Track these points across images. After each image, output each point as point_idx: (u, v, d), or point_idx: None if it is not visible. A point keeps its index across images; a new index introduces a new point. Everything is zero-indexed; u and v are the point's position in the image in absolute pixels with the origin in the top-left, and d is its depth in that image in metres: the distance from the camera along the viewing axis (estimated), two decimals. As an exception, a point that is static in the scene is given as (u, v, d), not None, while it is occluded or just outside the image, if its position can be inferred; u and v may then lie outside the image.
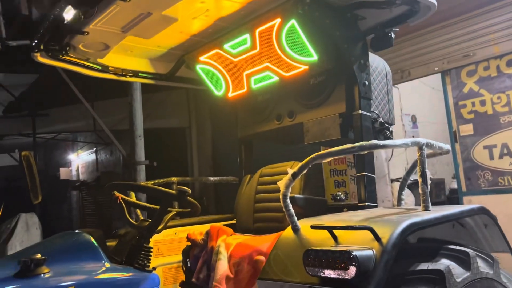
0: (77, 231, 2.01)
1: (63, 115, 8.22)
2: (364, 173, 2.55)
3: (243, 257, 2.24)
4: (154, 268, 1.98)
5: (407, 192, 6.63)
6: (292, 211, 1.93)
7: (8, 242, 5.86)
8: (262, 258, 2.16)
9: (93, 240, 1.86)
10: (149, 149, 10.46)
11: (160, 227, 2.20)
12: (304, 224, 1.94)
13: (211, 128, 9.05)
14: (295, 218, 1.93)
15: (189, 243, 2.65)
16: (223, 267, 2.20)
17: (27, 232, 6.03)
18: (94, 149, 13.62)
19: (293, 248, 1.82)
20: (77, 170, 15.81)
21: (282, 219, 2.70)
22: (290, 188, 1.94)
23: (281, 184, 1.93)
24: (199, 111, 9.19)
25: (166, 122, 9.40)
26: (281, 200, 1.94)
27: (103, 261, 1.82)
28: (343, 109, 2.66)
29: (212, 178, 3.80)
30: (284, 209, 1.94)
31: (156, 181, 3.37)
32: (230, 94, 3.10)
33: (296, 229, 1.92)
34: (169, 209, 2.32)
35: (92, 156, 14.26)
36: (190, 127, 9.34)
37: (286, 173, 2.74)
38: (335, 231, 1.72)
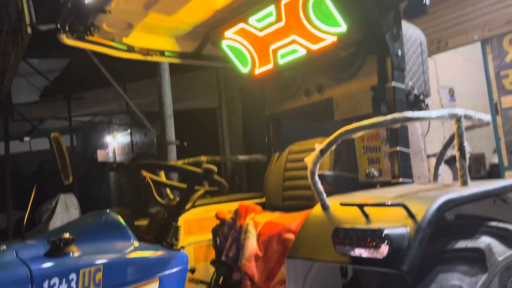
0: (105, 210, 2.03)
1: (97, 98, 8.37)
2: (398, 148, 2.44)
3: (271, 235, 2.20)
4: (182, 247, 1.98)
5: (444, 168, 6.44)
6: (321, 188, 1.87)
7: (50, 222, 6.10)
8: (291, 236, 2.12)
9: (120, 219, 1.87)
10: (180, 130, 10.56)
11: (188, 206, 2.18)
12: (333, 202, 1.87)
13: (241, 108, 9.00)
14: (324, 196, 1.87)
15: (218, 222, 2.64)
16: (251, 245, 2.17)
17: (66, 212, 6.24)
18: (129, 131, 13.88)
19: (322, 226, 1.76)
20: (114, 152, 16.22)
21: (312, 197, 2.63)
22: (318, 165, 1.87)
23: (309, 160, 1.86)
24: (229, 91, 9.16)
25: (197, 103, 9.43)
26: (308, 177, 1.87)
27: (131, 240, 1.83)
28: (374, 81, 2.54)
29: (240, 157, 3.77)
30: (312, 187, 1.88)
31: (186, 160, 3.36)
32: (256, 71, 3.02)
33: (325, 207, 1.86)
34: (196, 187, 2.30)
35: (127, 138, 14.55)
36: (220, 107, 9.33)
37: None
38: (366, 209, 1.64)
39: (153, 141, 11.51)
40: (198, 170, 2.03)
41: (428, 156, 6.52)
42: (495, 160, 7.13)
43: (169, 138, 4.54)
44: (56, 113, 9.30)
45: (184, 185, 2.22)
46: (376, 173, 2.91)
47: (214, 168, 2.03)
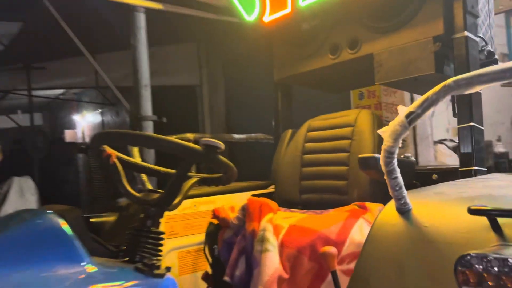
0: (42, 209, 1.25)
1: (62, 69, 7.39)
2: (472, 123, 1.74)
3: (301, 248, 1.47)
4: (168, 269, 1.22)
5: (450, 154, 5.78)
6: (400, 180, 1.13)
7: (1, 209, 5.20)
8: (331, 250, 1.38)
9: (65, 226, 1.09)
10: (156, 109, 9.73)
11: (176, 201, 1.43)
12: (416, 201, 1.14)
13: (224, 87, 8.20)
14: (404, 192, 1.14)
15: (215, 221, 1.88)
16: (272, 262, 1.43)
17: (21, 198, 5.35)
18: (100, 110, 12.89)
19: (411, 244, 1.04)
20: (83, 132, 15.18)
21: (344, 189, 1.92)
22: (399, 142, 1.13)
23: (385, 133, 1.12)
24: (211, 67, 8.32)
25: (174, 79, 8.55)
26: (381, 161, 1.14)
27: (82, 262, 1.06)
28: (438, 30, 1.81)
29: (237, 136, 3.01)
30: (386, 177, 1.14)
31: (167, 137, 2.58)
32: (266, 18, 2.26)
33: (404, 210, 1.13)
34: (189, 174, 1.55)
35: (98, 118, 13.56)
36: (201, 84, 8.49)
37: (348, 126, 1.93)
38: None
39: (125, 121, 10.58)
40: (197, 146, 1.27)
41: (435, 142, 5.90)
42: (499, 149, 6.63)
43: (145, 112, 3.72)
44: (15, 85, 8.24)
45: (171, 171, 1.46)
46: (412, 158, 2.20)
47: (221, 144, 1.28)
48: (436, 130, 5.90)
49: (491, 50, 1.92)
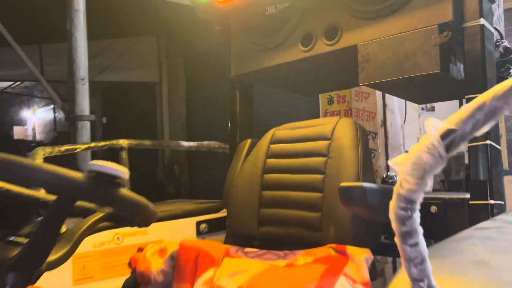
0: None
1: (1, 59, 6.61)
2: (489, 141, 1.30)
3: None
4: None
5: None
6: (423, 248, 0.65)
7: None
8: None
9: None
10: (108, 108, 9.01)
11: (56, 256, 0.89)
12: (445, 281, 0.66)
13: (185, 85, 7.64)
14: (429, 270, 0.65)
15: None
16: None
17: None
18: (52, 106, 12.00)
19: None
20: (33, 129, 14.16)
21: (317, 223, 1.43)
22: (427, 183, 0.65)
23: (401, 166, 0.64)
24: (171, 64, 7.74)
25: (131, 75, 7.93)
26: (392, 213, 0.65)
27: None
28: (447, 15, 1.36)
29: (185, 143, 2.48)
30: (398, 241, 0.66)
31: (93, 144, 2.02)
32: (221, -4, 1.75)
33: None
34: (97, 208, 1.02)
35: (50, 114, 12.64)
36: (160, 82, 7.89)
37: (323, 138, 1.46)
38: None
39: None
40: (78, 175, 0.75)
41: (407, 152, 5.58)
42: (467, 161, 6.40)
43: (80, 111, 3.12)
44: None
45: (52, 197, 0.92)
46: (396, 177, 1.74)
47: (123, 171, 0.76)
48: (407, 139, 5.57)
49: (508, 46, 1.49)
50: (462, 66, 1.50)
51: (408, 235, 0.63)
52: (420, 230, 0.63)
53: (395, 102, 5.31)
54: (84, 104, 3.14)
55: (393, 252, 1.49)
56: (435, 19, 1.37)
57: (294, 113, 5.59)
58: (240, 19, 1.93)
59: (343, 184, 1.16)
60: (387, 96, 5.20)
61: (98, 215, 1.04)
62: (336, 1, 1.62)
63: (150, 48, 7.68)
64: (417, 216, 0.63)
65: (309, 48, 1.69)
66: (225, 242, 1.83)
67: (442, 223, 1.43)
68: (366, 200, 1.11)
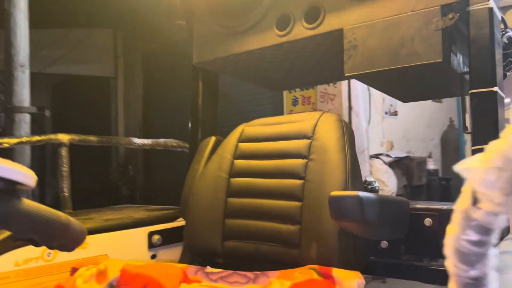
0: None
1: None
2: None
3: None
4: None
5: (386, 170, 5.34)
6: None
7: None
8: None
9: None
10: (60, 102, 8.43)
11: None
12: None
13: (143, 81, 7.24)
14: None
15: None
16: None
17: None
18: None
19: None
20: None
21: (295, 238, 1.19)
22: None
23: (476, 177, 0.41)
24: (129, 58, 7.32)
25: (85, 69, 7.43)
26: (457, 237, 0.42)
27: None
28: (449, -4, 1.16)
29: (139, 141, 2.18)
30: (455, 285, 0.43)
31: (25, 138, 1.69)
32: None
33: None
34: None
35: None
36: (116, 77, 7.45)
37: (303, 137, 1.23)
38: None
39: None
40: None
41: (371, 157, 5.47)
42: (431, 166, 6.42)
43: (19, 102, 2.74)
44: None
45: None
46: (376, 185, 1.54)
47: (28, 174, 0.49)
48: (371, 143, 5.49)
49: (512, 36, 1.31)
50: (461, 58, 1.31)
51: (477, 283, 0.39)
52: (494, 276, 0.40)
53: (360, 105, 5.20)
54: (23, 94, 2.76)
55: (383, 271, 1.28)
56: (437, 0, 1.17)
57: (256, 114, 5.32)
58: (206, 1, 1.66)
59: (334, 193, 0.92)
60: (353, 98, 5.08)
61: (3, 234, 0.74)
62: None
63: (106, 41, 7.23)
64: (492, 253, 0.40)
65: (286, 32, 1.45)
66: (182, 257, 1.56)
67: (438, 237, 1.22)
68: (363, 214, 0.89)
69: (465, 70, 1.32)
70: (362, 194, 0.90)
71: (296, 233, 1.18)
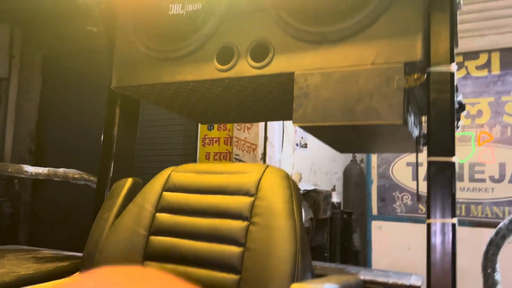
0: None
1: None
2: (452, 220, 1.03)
3: None
4: None
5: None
6: None
7: None
8: None
9: None
10: None
11: None
12: None
13: (41, 87, 6.49)
14: None
15: None
16: None
17: None
18: None
19: None
20: None
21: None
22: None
23: None
24: (26, 59, 6.56)
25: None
26: None
27: None
28: (415, 53, 1.07)
29: (31, 169, 1.80)
30: None
31: None
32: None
33: None
34: None
35: None
36: (9, 78, 6.61)
37: (245, 193, 1.06)
38: None
39: None
40: None
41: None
42: (334, 199, 6.62)
43: None
44: None
45: None
46: None
47: None
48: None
49: (462, 100, 1.28)
50: (413, 118, 1.24)
51: None
52: None
53: (275, 136, 5.19)
54: None
55: None
56: (399, 56, 1.08)
57: (166, 135, 5.01)
58: (131, 13, 1.42)
59: (296, 286, 0.75)
60: (269, 128, 5.05)
61: None
62: (268, 10, 1.24)
63: (1, 38, 6.41)
64: None
65: (228, 67, 1.27)
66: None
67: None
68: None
69: (416, 131, 1.26)
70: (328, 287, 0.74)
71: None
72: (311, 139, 6.21)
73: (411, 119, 1.19)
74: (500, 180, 3.45)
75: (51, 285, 1.07)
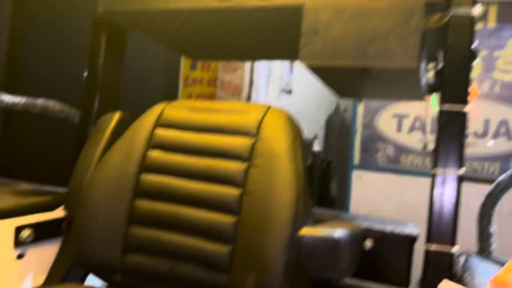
0: None
1: None
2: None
3: None
4: None
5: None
6: None
7: None
8: None
9: None
10: None
11: None
12: None
13: (12, 5, 6.04)
14: None
15: None
16: None
17: None
18: None
19: None
20: None
21: (224, 261, 0.94)
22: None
23: None
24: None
25: None
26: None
27: None
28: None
29: (7, 98, 1.68)
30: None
31: None
32: None
33: None
34: None
35: None
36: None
37: (245, 133, 0.99)
38: None
39: None
40: None
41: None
42: (316, 148, 6.68)
43: None
44: None
45: None
46: None
47: None
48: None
49: (476, 48, 1.21)
50: (423, 65, 1.17)
51: None
52: None
53: (261, 80, 5.07)
54: None
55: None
56: (422, -9, 0.99)
57: (144, 73, 4.78)
58: None
59: (306, 232, 0.70)
60: (255, 72, 4.92)
61: None
62: None
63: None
64: None
65: (227, -3, 1.15)
66: (58, 258, 1.22)
67: (378, 260, 1.10)
68: (339, 261, 0.69)
69: (424, 78, 1.19)
70: (337, 234, 0.70)
71: (227, 255, 0.94)
72: (296, 86, 6.12)
73: (422, 65, 1.12)
74: (483, 136, 3.49)
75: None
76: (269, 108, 1.06)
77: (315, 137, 7.22)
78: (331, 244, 0.69)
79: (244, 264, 0.91)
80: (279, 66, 5.12)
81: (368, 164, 4.24)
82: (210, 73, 4.91)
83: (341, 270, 0.72)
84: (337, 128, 6.84)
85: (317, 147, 6.85)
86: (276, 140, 0.98)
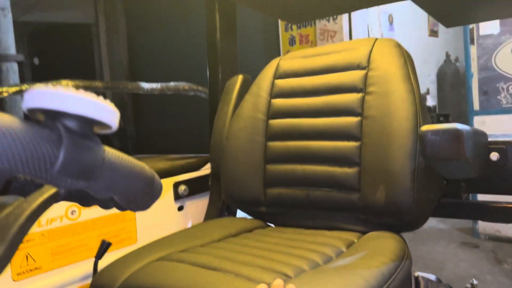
0: None
1: None
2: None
3: None
4: None
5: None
6: None
7: None
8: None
9: None
10: (36, 53, 7.95)
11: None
12: None
13: (126, 25, 6.77)
14: None
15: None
16: None
17: None
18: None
19: None
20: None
21: (353, 181, 1.06)
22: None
23: None
24: (109, 2, 6.83)
25: (62, 16, 6.93)
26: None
27: None
28: None
29: (147, 86, 1.98)
30: None
31: (25, 86, 1.51)
32: None
33: None
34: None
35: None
36: (97, 23, 6.99)
37: (356, 67, 1.07)
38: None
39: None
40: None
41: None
42: (429, 102, 6.34)
43: (4, 49, 2.49)
44: None
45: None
46: None
47: (112, 110, 0.34)
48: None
49: None
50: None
51: None
52: None
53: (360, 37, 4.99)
54: (8, 41, 2.50)
55: (446, 211, 1.18)
56: None
57: (245, 58, 5.02)
58: None
59: (426, 127, 0.79)
60: (354, 35, 4.86)
61: (48, 192, 0.59)
62: None
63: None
64: None
65: None
66: (209, 208, 1.45)
67: (505, 173, 1.12)
68: (463, 150, 0.76)
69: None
70: (459, 126, 0.77)
71: (355, 176, 1.06)
72: (396, 34, 5.87)
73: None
74: None
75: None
76: (376, 39, 1.14)
77: (427, 92, 6.86)
78: (454, 133, 0.75)
79: (372, 180, 1.02)
80: (378, 25, 4.99)
81: (490, 107, 3.96)
82: (308, 45, 4.98)
83: (466, 159, 0.78)
84: (450, 79, 6.41)
85: (430, 101, 6.52)
86: (387, 65, 1.06)
